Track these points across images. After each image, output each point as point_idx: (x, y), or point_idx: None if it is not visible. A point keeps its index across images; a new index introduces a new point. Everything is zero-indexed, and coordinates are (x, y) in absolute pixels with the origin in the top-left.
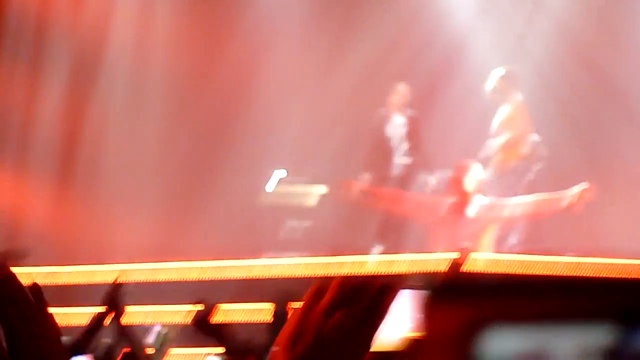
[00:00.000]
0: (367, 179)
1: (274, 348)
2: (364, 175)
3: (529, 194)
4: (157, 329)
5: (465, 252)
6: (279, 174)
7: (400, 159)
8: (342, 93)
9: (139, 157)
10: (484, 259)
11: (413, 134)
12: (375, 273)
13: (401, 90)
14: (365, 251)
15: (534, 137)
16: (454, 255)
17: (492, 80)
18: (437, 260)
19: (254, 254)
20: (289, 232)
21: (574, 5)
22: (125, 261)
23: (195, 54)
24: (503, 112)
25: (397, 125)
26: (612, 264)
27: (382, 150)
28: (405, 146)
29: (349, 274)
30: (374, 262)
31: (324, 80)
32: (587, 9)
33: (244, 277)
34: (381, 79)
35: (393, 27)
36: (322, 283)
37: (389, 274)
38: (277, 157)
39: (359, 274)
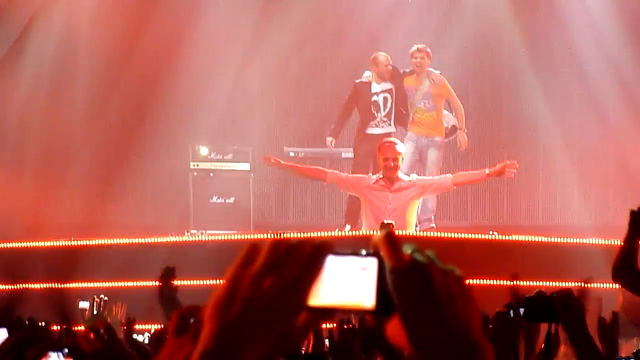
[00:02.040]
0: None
1: (207, 310)
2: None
3: (450, 172)
4: (83, 305)
5: (388, 228)
6: (204, 150)
7: (379, 126)
8: (269, 66)
9: (66, 132)
10: (408, 236)
11: (399, 102)
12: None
13: (383, 59)
14: (289, 228)
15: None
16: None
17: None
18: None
19: (180, 230)
20: (214, 208)
21: None
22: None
23: (122, 25)
24: (424, 87)
25: (380, 92)
26: (534, 242)
27: (363, 112)
28: (384, 114)
29: (282, 236)
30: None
31: (251, 54)
32: None
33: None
34: (307, 51)
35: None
36: (255, 245)
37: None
38: (202, 134)
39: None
